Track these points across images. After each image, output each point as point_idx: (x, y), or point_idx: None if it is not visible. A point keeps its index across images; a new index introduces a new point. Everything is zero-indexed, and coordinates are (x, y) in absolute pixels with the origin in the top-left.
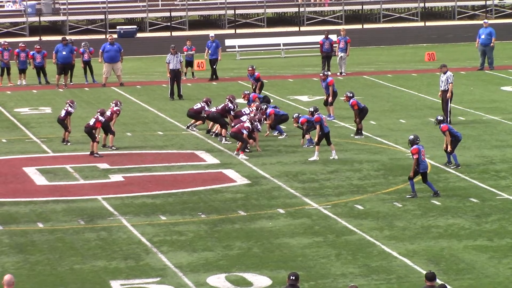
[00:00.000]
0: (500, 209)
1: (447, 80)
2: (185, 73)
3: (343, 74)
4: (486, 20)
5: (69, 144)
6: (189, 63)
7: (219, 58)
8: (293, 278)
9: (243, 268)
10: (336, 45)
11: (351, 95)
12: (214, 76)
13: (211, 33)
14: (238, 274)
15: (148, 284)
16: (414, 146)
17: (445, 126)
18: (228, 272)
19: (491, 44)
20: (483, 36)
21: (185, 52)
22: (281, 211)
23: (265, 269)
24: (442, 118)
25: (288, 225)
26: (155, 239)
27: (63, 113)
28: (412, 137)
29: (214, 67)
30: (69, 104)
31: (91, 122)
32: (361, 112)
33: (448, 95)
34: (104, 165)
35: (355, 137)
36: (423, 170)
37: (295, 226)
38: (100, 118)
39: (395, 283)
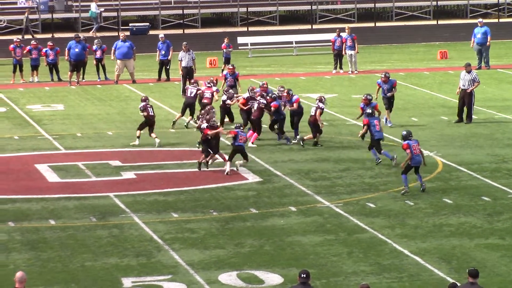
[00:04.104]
0: None
1: (474, 80)
2: (222, 70)
3: (355, 72)
4: (481, 20)
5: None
6: (227, 60)
7: (169, 58)
8: (304, 276)
9: (255, 266)
10: (344, 43)
11: (371, 98)
12: (167, 77)
13: (161, 33)
14: (250, 271)
15: (160, 282)
16: (404, 142)
17: (405, 144)
18: (240, 269)
19: (487, 43)
20: (478, 36)
21: (224, 50)
22: (293, 209)
23: (277, 267)
24: (406, 133)
25: (299, 223)
26: (166, 237)
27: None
28: (404, 132)
29: (168, 67)
30: (145, 101)
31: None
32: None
33: (469, 90)
34: (116, 162)
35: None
36: (415, 165)
37: (306, 224)
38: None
39: (406, 281)
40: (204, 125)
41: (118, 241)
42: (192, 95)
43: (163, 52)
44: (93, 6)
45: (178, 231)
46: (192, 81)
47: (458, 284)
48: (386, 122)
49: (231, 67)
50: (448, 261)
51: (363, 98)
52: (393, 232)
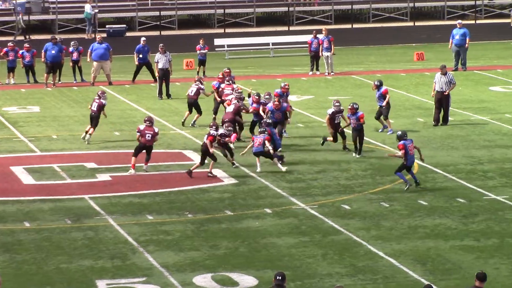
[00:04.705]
0: (487, 209)
1: (450, 82)
2: (198, 72)
3: (331, 73)
4: (460, 21)
5: (87, 143)
6: (202, 62)
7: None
8: (280, 278)
9: (230, 268)
10: (320, 45)
11: (357, 106)
12: (154, 78)
13: (142, 36)
14: (225, 273)
15: (134, 284)
16: (401, 142)
17: (401, 145)
18: (215, 271)
19: (466, 45)
20: (457, 37)
21: (198, 51)
22: (268, 210)
23: (252, 269)
24: (401, 133)
25: (274, 224)
26: (141, 239)
27: (94, 105)
28: (400, 132)
29: (152, 68)
30: (98, 96)
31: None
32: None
33: (446, 92)
34: (91, 165)
35: (357, 156)
36: (410, 165)
37: (281, 226)
38: (213, 132)
39: (381, 283)
40: (215, 132)
41: (93, 243)
42: (193, 93)
43: (140, 56)
44: (88, 7)
45: (153, 233)
46: (196, 78)
47: (434, 286)
48: (385, 129)
49: (228, 70)
50: (423, 263)
51: (349, 107)
52: (368, 234)
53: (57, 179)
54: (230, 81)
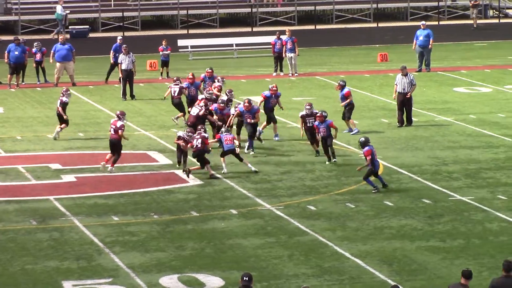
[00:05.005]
0: (452, 210)
1: (411, 83)
2: (161, 73)
3: (295, 74)
4: (424, 22)
5: (56, 138)
6: (165, 63)
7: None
8: (246, 278)
9: (196, 269)
10: (284, 46)
11: (326, 114)
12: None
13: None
14: (191, 274)
15: (100, 285)
16: (366, 148)
17: (368, 151)
18: (181, 272)
19: (429, 46)
20: (421, 38)
21: (160, 52)
22: (234, 211)
23: (218, 270)
24: (365, 139)
25: (240, 225)
26: (107, 240)
27: (58, 103)
28: (363, 139)
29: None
30: (62, 94)
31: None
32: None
33: (408, 95)
34: (56, 165)
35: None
36: (377, 170)
37: (247, 227)
38: (205, 135)
39: (347, 284)
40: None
41: (59, 244)
42: (176, 94)
43: (117, 54)
44: (59, 8)
45: (118, 234)
46: (175, 78)
47: (400, 287)
48: (352, 131)
49: (210, 70)
50: (389, 264)
51: (318, 115)
52: (334, 234)
53: (22, 180)
54: (216, 81)
